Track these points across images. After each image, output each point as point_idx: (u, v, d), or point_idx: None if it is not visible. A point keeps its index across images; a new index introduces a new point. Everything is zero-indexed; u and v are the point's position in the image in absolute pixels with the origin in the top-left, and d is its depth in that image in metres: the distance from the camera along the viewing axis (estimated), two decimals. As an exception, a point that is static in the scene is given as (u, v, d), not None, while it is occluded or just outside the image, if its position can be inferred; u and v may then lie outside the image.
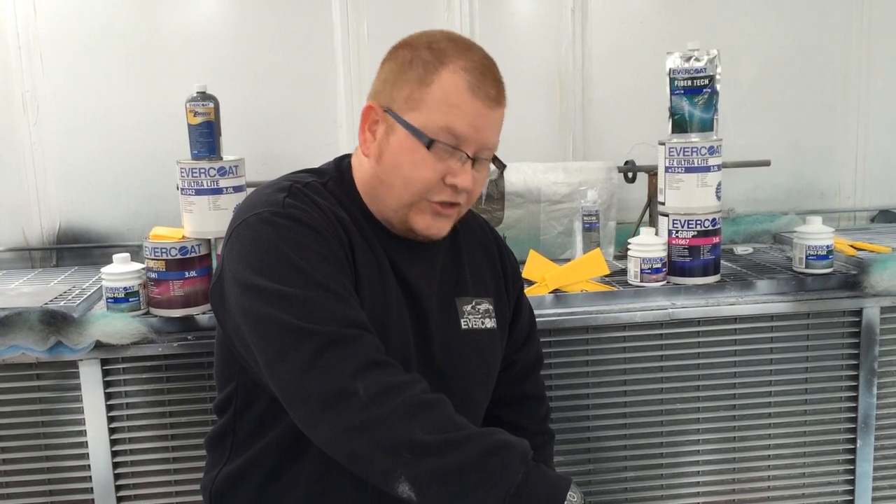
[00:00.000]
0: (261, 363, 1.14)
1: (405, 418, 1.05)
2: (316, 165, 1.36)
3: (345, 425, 1.05)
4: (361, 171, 1.28)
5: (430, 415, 1.07)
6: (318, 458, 1.18)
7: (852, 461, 2.03)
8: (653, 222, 2.21)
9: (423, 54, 1.21)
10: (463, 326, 1.33)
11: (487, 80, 1.20)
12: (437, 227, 1.26)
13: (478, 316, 1.36)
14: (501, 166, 1.30)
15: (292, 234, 1.16)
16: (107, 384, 1.79)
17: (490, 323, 1.37)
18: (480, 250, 1.42)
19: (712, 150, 1.95)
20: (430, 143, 1.18)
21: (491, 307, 1.39)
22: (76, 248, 2.39)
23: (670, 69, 1.99)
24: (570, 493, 1.06)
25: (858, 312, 1.97)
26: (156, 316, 1.82)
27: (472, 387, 1.35)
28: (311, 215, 1.18)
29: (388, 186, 1.23)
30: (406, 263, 1.28)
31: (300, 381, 1.08)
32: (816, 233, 2.03)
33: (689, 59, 1.97)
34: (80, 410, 1.79)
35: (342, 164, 1.33)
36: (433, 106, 1.19)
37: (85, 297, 1.91)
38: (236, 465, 1.31)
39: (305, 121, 2.44)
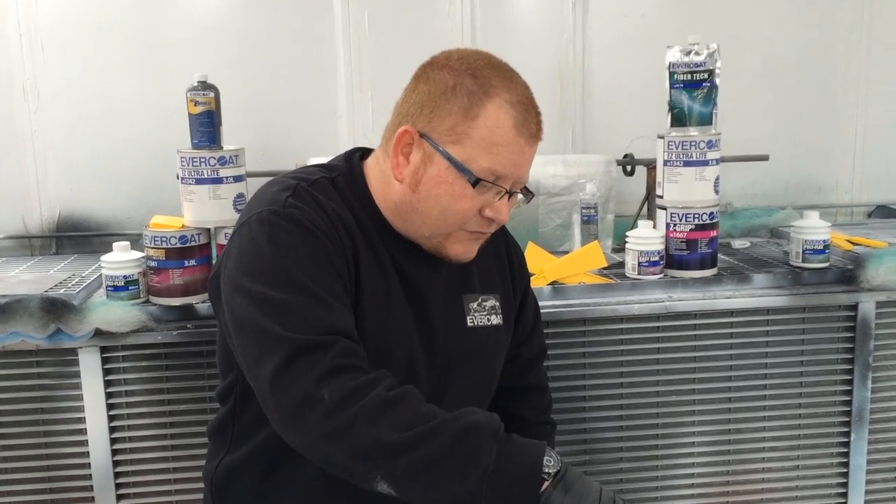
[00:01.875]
0: (241, 365, 1.16)
1: (371, 420, 1.05)
2: (316, 156, 1.36)
3: (314, 433, 1.06)
4: (390, 191, 1.26)
5: (397, 412, 1.06)
6: None
7: (846, 454, 2.05)
8: (651, 215, 2.22)
9: (467, 82, 1.17)
10: (469, 324, 1.34)
11: (531, 116, 1.20)
12: (470, 251, 1.28)
13: (484, 313, 1.37)
14: (529, 195, 1.31)
15: (286, 235, 1.16)
16: (106, 372, 1.80)
17: (496, 319, 1.38)
18: (487, 246, 1.41)
19: (711, 145, 1.96)
20: (475, 183, 1.18)
21: (497, 303, 1.39)
22: (76, 237, 2.39)
23: (670, 63, 2.00)
24: (545, 458, 1.06)
25: (854, 307, 1.98)
26: (155, 304, 1.82)
27: (475, 384, 1.36)
28: (311, 216, 1.18)
29: (424, 215, 1.23)
30: (410, 262, 1.28)
31: (271, 389, 1.09)
32: (813, 227, 2.04)
33: (688, 52, 1.97)
34: (80, 398, 1.80)
35: (353, 161, 1.32)
36: (478, 142, 1.17)
37: (84, 285, 1.92)
38: (238, 455, 1.32)
39: (306, 111, 2.44)
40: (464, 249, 1.26)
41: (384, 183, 1.27)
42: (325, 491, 1.26)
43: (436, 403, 1.21)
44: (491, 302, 1.38)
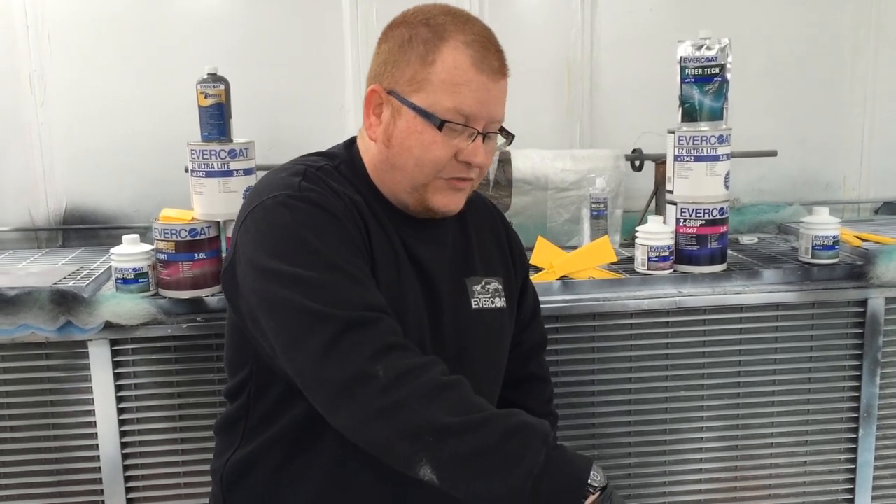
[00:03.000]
0: (277, 348, 1.14)
1: (426, 401, 1.04)
2: (324, 149, 1.36)
3: (365, 409, 1.05)
4: (369, 154, 1.28)
5: (451, 396, 1.06)
6: (336, 444, 1.18)
7: (854, 450, 2.05)
8: (659, 211, 2.22)
9: (422, 32, 1.19)
10: (473, 306, 1.33)
11: (490, 52, 1.19)
12: (454, 202, 1.26)
13: (487, 295, 1.36)
14: (509, 136, 1.29)
15: (309, 217, 1.15)
16: (116, 364, 1.80)
17: (500, 302, 1.37)
18: (487, 229, 1.42)
19: (722, 139, 1.96)
20: (441, 125, 1.18)
21: (500, 286, 1.38)
22: (82, 229, 2.39)
23: (681, 57, 1.99)
24: (592, 472, 1.06)
25: (863, 303, 1.98)
26: (165, 297, 1.82)
27: (484, 367, 1.35)
28: (328, 199, 1.18)
29: (401, 169, 1.23)
30: (418, 245, 1.28)
31: (318, 366, 1.07)
32: (823, 223, 2.04)
33: (700, 47, 1.97)
34: (89, 390, 1.80)
35: (352, 148, 1.32)
36: (438, 85, 1.18)
37: (93, 277, 1.91)
38: (248, 450, 1.30)
39: (314, 105, 2.44)
40: (447, 200, 1.24)
41: (366, 150, 1.28)
42: (338, 483, 1.25)
43: None
44: (494, 285, 1.37)
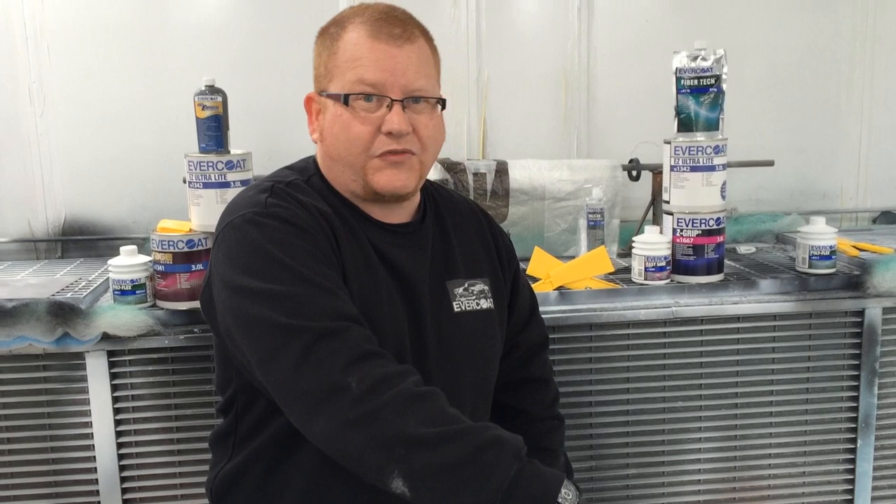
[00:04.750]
0: (253, 363, 1.14)
1: (399, 411, 1.04)
2: (295, 161, 1.37)
3: (339, 420, 1.05)
4: (320, 158, 1.31)
5: (424, 407, 1.06)
6: (315, 453, 1.18)
7: (852, 461, 2.05)
8: (656, 221, 2.22)
9: (330, 29, 1.26)
10: (455, 309, 1.33)
11: (388, 22, 1.22)
12: (398, 178, 1.24)
13: (471, 297, 1.35)
14: (441, 101, 1.28)
15: (277, 232, 1.16)
16: (113, 376, 1.80)
17: (486, 304, 1.37)
18: (471, 231, 1.42)
19: (718, 150, 1.96)
20: (345, 99, 1.21)
21: (486, 287, 1.38)
22: (81, 241, 2.39)
23: (677, 68, 2.00)
24: (563, 489, 1.05)
25: (860, 313, 1.98)
26: (162, 308, 1.82)
27: (469, 370, 1.34)
28: (295, 213, 1.19)
29: (337, 158, 1.25)
30: (393, 250, 1.28)
31: (292, 379, 1.08)
32: (820, 233, 2.04)
33: (695, 58, 1.98)
34: (87, 402, 1.80)
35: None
36: (343, 67, 1.22)
37: (91, 289, 1.92)
38: (236, 463, 1.32)
39: (311, 115, 2.44)
40: (387, 178, 1.24)
41: (320, 159, 1.31)
42: (320, 492, 1.26)
43: None
44: (479, 286, 1.37)
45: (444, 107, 1.29)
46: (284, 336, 1.09)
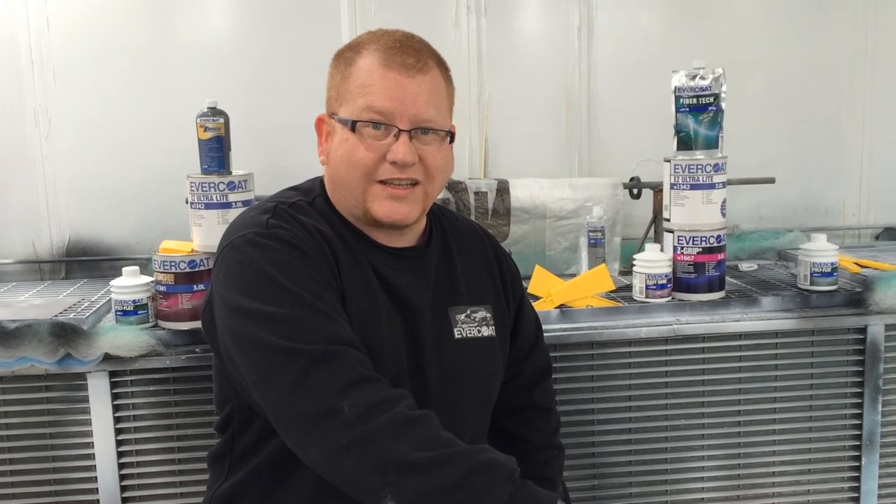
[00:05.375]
0: (250, 384, 1.15)
1: (392, 436, 1.05)
2: (301, 182, 1.38)
3: (332, 444, 1.05)
4: (326, 180, 1.32)
5: (417, 432, 1.06)
6: (312, 475, 1.18)
7: (857, 479, 2.03)
8: (658, 238, 2.23)
9: (345, 53, 1.27)
10: (456, 336, 1.33)
11: (402, 51, 1.22)
12: (398, 210, 1.25)
13: (473, 325, 1.35)
14: (449, 135, 1.29)
15: (277, 254, 1.17)
16: (115, 396, 1.80)
17: (488, 331, 1.37)
18: (477, 257, 1.42)
19: (717, 168, 1.97)
20: (353, 125, 1.21)
21: (489, 315, 1.38)
22: (85, 261, 2.40)
23: (675, 87, 2.01)
24: None
25: (863, 330, 1.97)
26: (164, 329, 1.83)
27: (468, 397, 1.35)
28: (296, 234, 1.20)
29: (340, 182, 1.26)
30: (395, 274, 1.28)
31: (288, 402, 1.08)
32: (821, 250, 2.04)
33: (694, 77, 1.99)
34: (88, 422, 1.80)
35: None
36: (355, 93, 1.22)
37: (94, 309, 1.92)
38: (233, 482, 1.32)
39: (313, 137, 2.45)
40: (387, 208, 1.24)
41: (326, 181, 1.32)
42: None
43: None
44: (481, 314, 1.37)
45: (452, 140, 1.29)
46: (281, 358, 1.09)
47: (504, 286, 1.44)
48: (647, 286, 1.97)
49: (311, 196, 1.31)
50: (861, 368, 1.99)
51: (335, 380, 1.07)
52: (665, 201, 2.04)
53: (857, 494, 2.04)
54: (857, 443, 2.02)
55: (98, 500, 1.83)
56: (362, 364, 1.11)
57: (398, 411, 1.07)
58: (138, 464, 1.84)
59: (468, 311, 1.36)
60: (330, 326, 1.13)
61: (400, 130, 1.21)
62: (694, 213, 1.98)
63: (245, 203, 1.88)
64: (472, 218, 2.19)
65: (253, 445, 1.28)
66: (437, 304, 1.33)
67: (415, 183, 1.24)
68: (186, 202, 1.91)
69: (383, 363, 1.21)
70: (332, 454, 1.06)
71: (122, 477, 1.83)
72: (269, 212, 1.23)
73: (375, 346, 1.21)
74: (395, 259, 1.29)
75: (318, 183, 1.34)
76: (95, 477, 1.82)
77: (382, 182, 1.23)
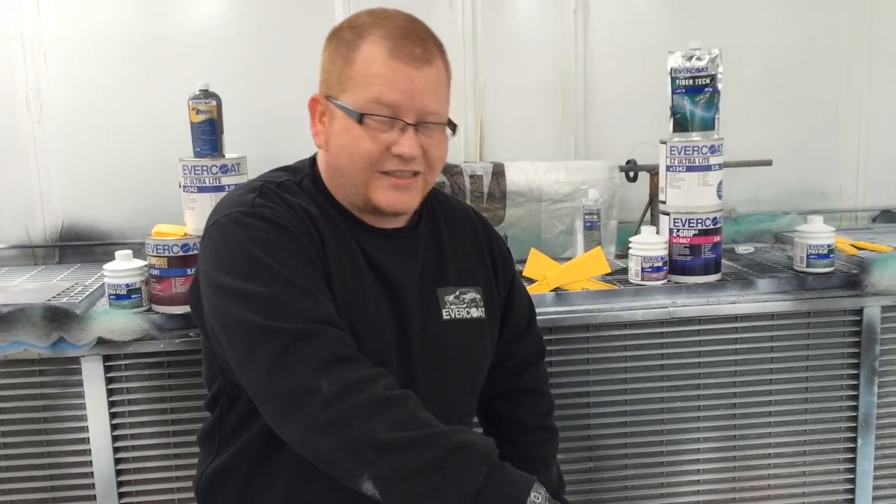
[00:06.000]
0: (232, 362, 1.16)
1: (368, 416, 1.05)
2: (291, 163, 1.37)
3: (309, 423, 1.06)
4: (322, 164, 1.30)
5: (394, 412, 1.06)
6: (297, 452, 1.19)
7: (853, 460, 2.03)
8: (654, 222, 2.22)
9: (346, 34, 1.23)
10: (444, 317, 1.32)
11: (409, 40, 1.20)
12: (400, 200, 1.25)
13: (462, 305, 1.35)
14: (453, 127, 1.29)
15: (260, 232, 1.17)
16: (109, 380, 1.80)
17: (477, 312, 1.36)
18: (467, 239, 1.41)
19: (713, 149, 1.96)
20: (360, 118, 1.19)
21: (478, 296, 1.37)
22: (79, 246, 2.39)
23: (672, 68, 2.00)
24: (533, 492, 1.06)
25: (859, 311, 1.97)
26: (158, 312, 1.82)
27: (456, 378, 1.34)
28: (281, 213, 1.19)
29: (341, 170, 1.25)
30: (383, 256, 1.28)
31: (267, 380, 1.09)
32: (817, 232, 2.03)
33: (690, 58, 1.97)
34: (83, 406, 1.80)
35: (316, 164, 1.34)
36: (359, 81, 1.20)
37: (87, 293, 1.92)
38: (222, 460, 1.32)
39: (306, 120, 2.43)
40: (390, 198, 1.23)
41: (320, 161, 1.30)
42: (305, 488, 1.26)
43: (421, 400, 1.21)
44: (471, 295, 1.36)
45: (452, 128, 1.29)
46: (260, 336, 1.10)
47: (495, 269, 1.44)
48: (642, 269, 1.96)
49: (300, 176, 1.30)
50: (857, 350, 1.99)
51: (313, 359, 1.07)
52: (661, 183, 2.03)
53: (852, 475, 2.04)
54: (853, 424, 2.02)
55: (93, 484, 1.83)
56: (342, 342, 1.11)
57: (375, 391, 1.06)
58: (133, 447, 1.84)
59: (457, 293, 1.35)
60: (311, 305, 1.13)
61: (406, 124, 1.20)
62: (690, 196, 1.97)
63: (238, 186, 1.87)
64: (468, 201, 2.18)
65: (241, 423, 1.28)
66: (426, 285, 1.32)
67: (416, 173, 1.24)
68: (180, 186, 1.90)
69: (370, 343, 1.21)
70: (309, 433, 1.06)
71: (118, 461, 1.83)
72: (255, 191, 1.23)
73: (362, 326, 1.21)
74: (383, 239, 1.29)
75: (308, 163, 1.33)
76: (90, 461, 1.82)
77: (384, 172, 1.22)
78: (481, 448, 1.06)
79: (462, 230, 1.42)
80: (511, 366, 1.49)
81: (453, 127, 1.28)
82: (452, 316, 1.33)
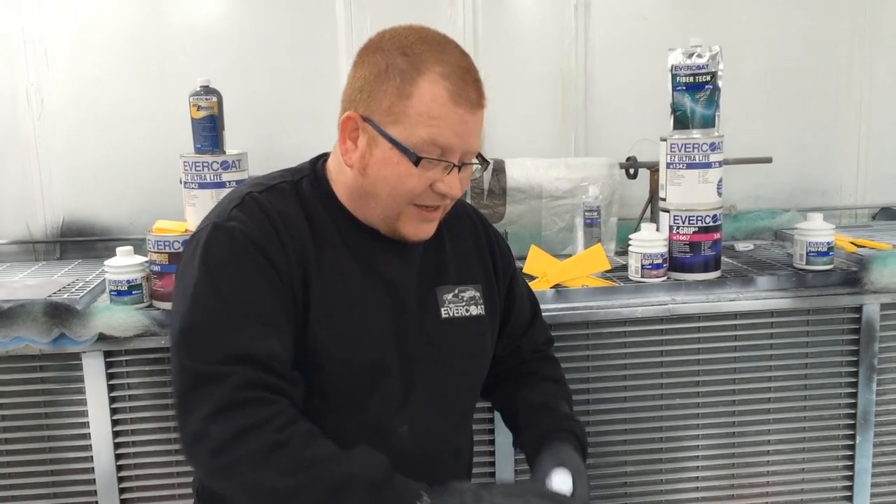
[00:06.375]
0: None
1: (255, 465, 1.07)
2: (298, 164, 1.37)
3: (204, 467, 1.13)
4: (343, 178, 1.27)
5: (282, 457, 1.08)
6: None
7: (851, 457, 2.04)
8: (654, 219, 2.22)
9: (399, 62, 1.18)
10: (443, 315, 1.32)
11: (468, 84, 1.18)
12: (425, 230, 1.27)
13: (461, 304, 1.35)
14: (485, 163, 1.30)
15: (220, 251, 1.18)
16: (110, 376, 1.80)
17: (476, 310, 1.36)
18: (467, 237, 1.41)
19: (714, 147, 1.96)
20: (417, 161, 1.17)
21: (478, 294, 1.37)
22: (80, 242, 2.40)
23: (672, 65, 2.00)
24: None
25: (858, 309, 1.97)
26: (158, 308, 1.83)
27: (456, 376, 1.34)
28: (249, 228, 1.18)
29: (374, 197, 1.23)
30: (381, 257, 1.28)
31: (177, 415, 1.15)
32: (817, 229, 2.03)
33: (691, 55, 1.97)
34: (83, 402, 1.80)
35: (317, 164, 1.33)
36: (416, 119, 1.16)
37: (88, 289, 1.92)
38: None
39: (307, 116, 2.45)
40: (417, 229, 1.25)
41: (340, 173, 1.27)
42: None
43: (412, 399, 1.25)
44: (470, 293, 1.36)
45: (485, 166, 1.33)
46: (176, 370, 1.15)
47: (494, 266, 1.43)
48: (642, 266, 1.97)
49: (298, 177, 1.29)
50: (856, 348, 1.99)
51: (208, 404, 1.09)
52: (661, 180, 2.03)
53: (851, 473, 2.05)
54: (852, 422, 2.02)
55: (94, 480, 1.83)
56: (244, 386, 1.11)
57: (263, 438, 1.08)
58: (134, 443, 1.84)
59: (456, 291, 1.35)
60: (235, 340, 1.13)
61: (454, 165, 1.20)
62: (690, 193, 1.97)
63: (239, 182, 1.87)
64: (468, 198, 2.19)
65: None
66: (424, 285, 1.32)
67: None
68: (180, 182, 1.91)
69: (365, 346, 1.22)
70: (206, 475, 1.15)
71: (118, 457, 1.83)
72: (237, 200, 1.23)
73: (356, 330, 1.22)
74: (380, 241, 1.28)
75: (308, 164, 1.33)
76: (91, 456, 1.82)
77: (418, 205, 1.23)
78: (363, 477, 1.09)
79: (462, 229, 1.42)
80: (520, 358, 1.49)
81: (484, 162, 1.29)
82: (451, 314, 1.33)
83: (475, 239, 1.43)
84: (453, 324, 1.33)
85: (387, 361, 1.25)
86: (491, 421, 1.90)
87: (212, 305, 1.15)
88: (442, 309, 1.33)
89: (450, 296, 1.34)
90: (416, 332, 1.29)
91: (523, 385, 1.46)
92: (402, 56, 1.18)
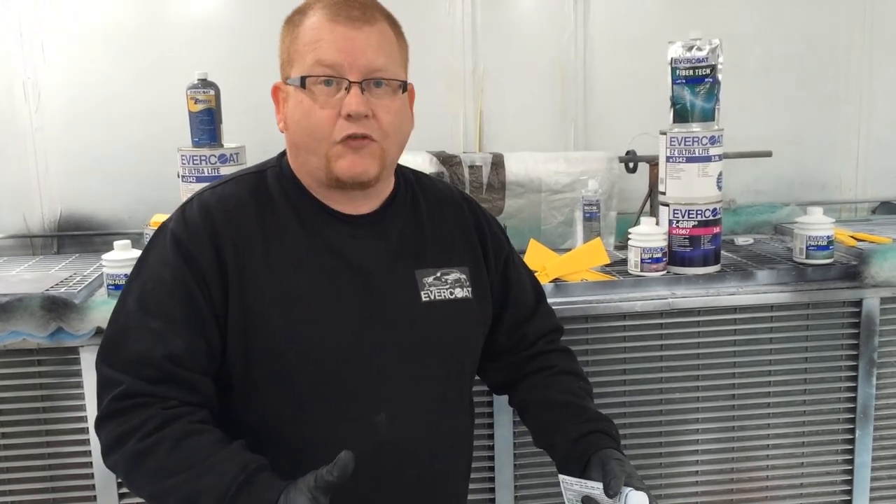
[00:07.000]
0: None
1: (128, 471, 1.15)
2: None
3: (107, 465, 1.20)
4: (287, 148, 1.29)
5: (145, 466, 1.12)
6: (289, 445, 1.20)
7: (851, 451, 2.04)
8: (654, 213, 2.22)
9: (293, 17, 1.26)
10: (423, 299, 1.29)
11: (347, 4, 1.21)
12: (359, 164, 1.22)
13: (444, 286, 1.31)
14: (404, 84, 1.26)
15: (155, 253, 1.22)
16: (107, 370, 1.79)
17: (462, 293, 1.32)
18: (450, 220, 1.38)
19: (713, 140, 1.95)
20: (302, 81, 1.20)
21: (463, 276, 1.33)
22: (77, 236, 2.39)
23: (672, 58, 1.99)
24: None
25: (858, 303, 1.97)
26: (156, 303, 1.82)
27: (440, 360, 1.31)
28: (180, 228, 1.21)
29: (301, 147, 1.23)
30: (349, 242, 1.26)
31: None
32: (817, 223, 2.03)
33: (690, 48, 1.97)
34: (81, 396, 1.79)
35: (284, 155, 1.32)
36: (303, 51, 1.21)
37: (86, 283, 1.91)
38: None
39: (307, 109, 2.44)
40: (347, 163, 1.21)
41: (287, 149, 1.30)
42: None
43: (387, 386, 1.23)
44: (454, 275, 1.33)
45: (405, 90, 1.26)
46: (98, 368, 1.21)
47: (484, 249, 1.39)
48: (642, 260, 1.96)
49: (265, 167, 1.29)
50: (856, 342, 1.99)
51: (100, 408, 1.17)
52: (661, 174, 2.03)
53: (850, 467, 2.04)
54: (852, 416, 2.02)
55: (92, 474, 1.83)
56: (127, 395, 1.15)
57: (129, 447, 1.13)
58: (132, 438, 1.84)
59: (437, 274, 1.31)
60: (144, 350, 1.16)
61: (351, 82, 1.19)
62: (690, 187, 1.97)
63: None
64: (467, 192, 2.17)
65: (235, 416, 1.26)
66: (402, 268, 1.29)
67: (368, 137, 1.21)
68: (178, 176, 1.90)
69: (327, 332, 1.20)
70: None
71: (116, 451, 1.83)
72: (190, 201, 1.25)
73: (317, 316, 1.20)
74: (350, 226, 1.27)
75: (278, 156, 1.32)
76: (89, 451, 1.82)
77: (341, 142, 1.21)
78: (215, 492, 1.09)
79: (445, 212, 1.38)
80: (526, 346, 1.45)
81: (405, 86, 1.26)
82: (432, 297, 1.30)
83: (461, 221, 1.39)
84: (434, 307, 1.29)
85: (352, 347, 1.22)
86: (490, 416, 1.90)
87: (129, 307, 1.20)
88: (422, 292, 1.29)
89: (431, 279, 1.30)
90: (389, 318, 1.26)
91: (545, 384, 1.42)
92: (296, 13, 1.26)
